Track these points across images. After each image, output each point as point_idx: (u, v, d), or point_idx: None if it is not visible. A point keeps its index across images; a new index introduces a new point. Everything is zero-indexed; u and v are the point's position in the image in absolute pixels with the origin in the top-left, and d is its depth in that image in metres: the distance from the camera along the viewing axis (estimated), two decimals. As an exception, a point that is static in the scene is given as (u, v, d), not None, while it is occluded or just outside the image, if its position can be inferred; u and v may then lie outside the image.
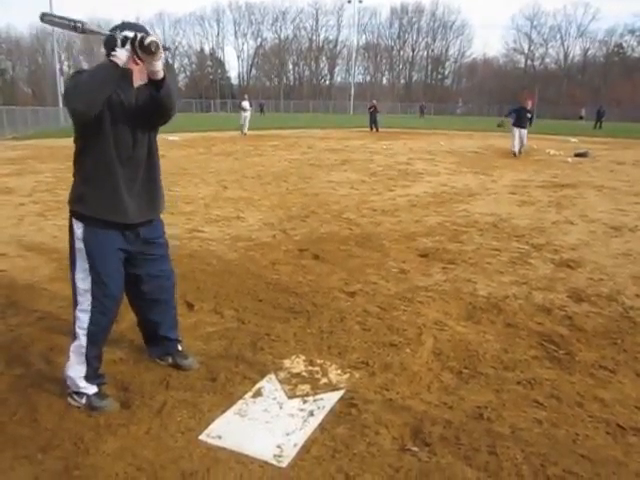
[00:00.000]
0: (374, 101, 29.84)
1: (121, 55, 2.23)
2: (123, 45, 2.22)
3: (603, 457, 2.22)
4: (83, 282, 2.51)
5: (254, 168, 11.63)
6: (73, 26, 2.23)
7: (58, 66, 39.28)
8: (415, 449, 2.27)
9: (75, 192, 2.52)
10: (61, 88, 34.30)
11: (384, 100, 75.37)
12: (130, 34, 2.23)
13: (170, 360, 2.98)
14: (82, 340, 2.56)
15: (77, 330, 2.56)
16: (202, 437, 2.35)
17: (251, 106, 24.26)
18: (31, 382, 2.78)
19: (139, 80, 2.45)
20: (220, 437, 2.34)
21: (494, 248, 5.38)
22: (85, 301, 2.52)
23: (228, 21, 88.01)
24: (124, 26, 2.34)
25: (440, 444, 2.30)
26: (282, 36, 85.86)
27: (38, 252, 5.11)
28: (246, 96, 24.88)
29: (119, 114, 2.37)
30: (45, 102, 44.54)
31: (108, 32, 2.33)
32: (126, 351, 3.14)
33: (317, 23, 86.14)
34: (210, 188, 8.96)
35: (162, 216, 2.81)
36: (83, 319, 2.54)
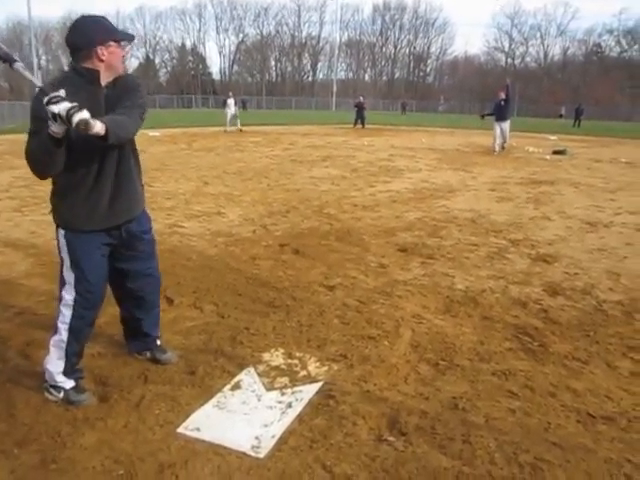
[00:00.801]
0: (361, 97, 29.76)
1: (58, 130, 2.10)
2: (55, 120, 2.04)
3: (573, 444, 2.28)
4: (68, 278, 2.52)
5: (235, 164, 11.59)
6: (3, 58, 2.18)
7: (36, 60, 38.57)
8: (391, 439, 2.31)
9: (51, 203, 2.53)
10: (39, 83, 33.72)
11: (366, 97, 75.72)
12: (56, 109, 2.01)
13: (149, 355, 2.99)
14: (63, 335, 2.54)
15: (59, 325, 2.55)
16: (180, 430, 2.35)
17: (236, 104, 24.04)
18: (8, 377, 2.76)
19: (105, 79, 2.38)
20: (198, 429, 2.35)
21: (472, 243, 5.45)
22: (69, 296, 2.52)
23: (210, 16, 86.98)
24: (50, 87, 2.14)
25: (416, 434, 2.34)
26: (264, 32, 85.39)
27: (14, 248, 5.05)
28: (230, 93, 24.68)
29: (82, 136, 2.15)
30: (22, 97, 43.76)
31: (38, 84, 2.21)
32: (104, 345, 3.12)
33: (299, 19, 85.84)
34: (191, 184, 8.91)
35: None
36: (66, 314, 2.53)
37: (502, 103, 15.14)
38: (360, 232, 5.82)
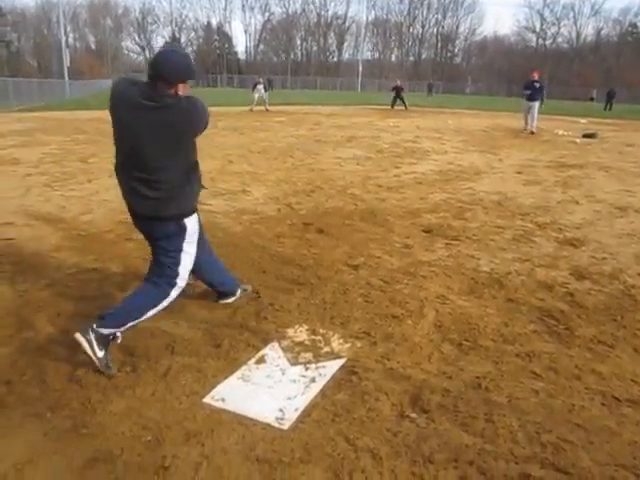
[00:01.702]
0: (398, 81, 29.64)
1: None
2: None
3: (597, 426, 2.27)
4: (187, 268, 2.84)
5: (260, 143, 11.60)
6: None
7: (64, 38, 38.90)
8: (414, 415, 2.33)
9: (178, 196, 2.69)
10: (67, 61, 34.09)
11: (392, 77, 74.62)
12: None
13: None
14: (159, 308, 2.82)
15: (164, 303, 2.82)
16: (206, 400, 2.41)
17: (265, 89, 23.95)
18: (39, 346, 2.85)
19: None
20: (224, 400, 2.40)
21: (498, 226, 5.39)
22: (182, 283, 2.85)
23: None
24: None
25: (438, 411, 2.35)
26: (290, 10, 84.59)
27: (45, 222, 5.16)
28: (260, 79, 24.55)
29: None
30: (51, 74, 44.20)
31: None
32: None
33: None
34: (216, 162, 8.95)
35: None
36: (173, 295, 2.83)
37: (534, 83, 15.16)
38: (384, 213, 5.79)
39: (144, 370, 2.65)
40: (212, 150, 10.31)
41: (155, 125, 2.47)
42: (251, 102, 23.14)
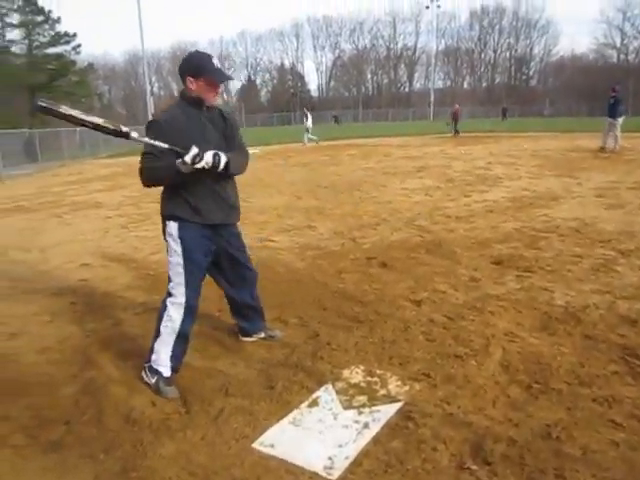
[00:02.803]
0: (457, 105, 29.30)
1: (186, 170, 2.60)
2: (193, 164, 2.56)
3: (690, 487, 1.98)
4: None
5: (329, 178, 11.70)
6: (119, 131, 2.62)
7: (149, 88, 41.70)
8: (474, 467, 2.14)
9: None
10: (151, 108, 36.46)
11: (465, 104, 73.63)
12: (203, 164, 2.60)
13: (263, 335, 3.43)
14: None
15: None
16: (255, 445, 2.35)
17: (306, 119, 25.09)
18: (101, 385, 2.92)
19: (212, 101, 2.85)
20: (273, 446, 2.33)
21: (576, 255, 5.03)
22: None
23: (307, 35, 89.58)
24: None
25: (502, 464, 2.15)
26: (360, 46, 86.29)
27: (118, 262, 5.40)
28: (305, 110, 25.68)
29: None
30: (137, 121, 47.43)
31: (164, 146, 2.63)
32: (192, 357, 3.21)
33: (395, 31, 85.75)
34: (284, 198, 9.10)
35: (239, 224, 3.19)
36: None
37: (611, 101, 14.95)
38: (452, 244, 5.59)
39: (197, 412, 2.64)
40: (282, 186, 10.53)
41: None
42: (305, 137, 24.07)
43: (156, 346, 2.88)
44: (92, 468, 2.24)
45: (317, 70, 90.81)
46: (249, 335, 3.43)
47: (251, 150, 12.96)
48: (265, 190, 10.06)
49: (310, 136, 24.13)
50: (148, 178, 2.77)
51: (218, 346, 3.40)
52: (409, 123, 55.33)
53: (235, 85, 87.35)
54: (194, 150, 2.54)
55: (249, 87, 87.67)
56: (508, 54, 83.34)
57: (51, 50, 39.09)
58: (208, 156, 2.60)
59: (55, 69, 38.29)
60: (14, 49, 37.81)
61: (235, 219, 3.07)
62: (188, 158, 2.53)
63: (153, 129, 2.72)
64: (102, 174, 14.52)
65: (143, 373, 2.93)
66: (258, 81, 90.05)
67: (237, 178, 3.03)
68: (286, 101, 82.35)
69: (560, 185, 9.36)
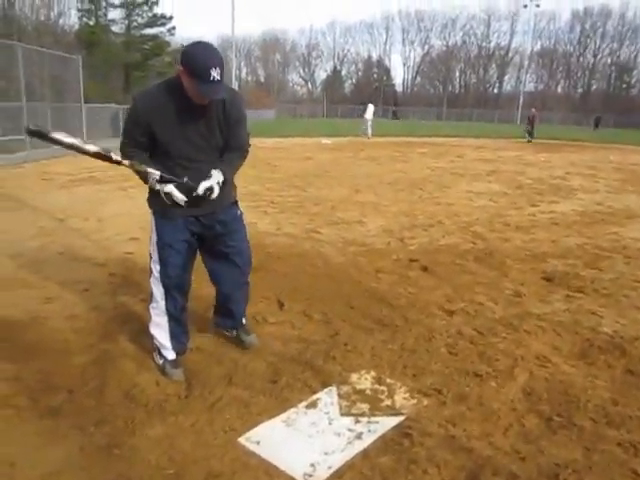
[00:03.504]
0: (533, 109, 27.97)
1: (175, 196, 2.57)
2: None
3: None
4: None
5: (393, 174, 11.46)
6: (111, 159, 2.58)
7: (235, 72, 42.68)
8: (463, 499, 1.97)
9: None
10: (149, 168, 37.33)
11: (557, 110, 70.02)
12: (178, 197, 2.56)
13: (235, 333, 3.20)
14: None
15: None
16: (241, 439, 2.28)
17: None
18: (113, 358, 2.96)
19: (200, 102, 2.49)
20: (258, 443, 2.26)
21: (638, 280, 4.60)
22: None
23: (397, 29, 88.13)
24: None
25: (495, 500, 1.97)
26: (450, 43, 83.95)
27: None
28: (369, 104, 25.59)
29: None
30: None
31: (150, 171, 2.54)
32: (204, 341, 3.21)
33: (489, 29, 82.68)
34: (343, 191, 8.99)
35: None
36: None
37: None
38: (503, 254, 5.28)
39: (196, 398, 2.62)
40: (344, 179, 10.42)
41: None
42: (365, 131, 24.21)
43: (152, 331, 2.88)
44: (80, 439, 2.26)
45: (404, 65, 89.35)
46: (219, 327, 3.28)
47: (323, 140, 13.22)
48: (326, 182, 10.00)
49: (366, 128, 24.17)
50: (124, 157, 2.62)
51: (237, 333, 3.37)
52: (493, 125, 53.36)
53: (321, 75, 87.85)
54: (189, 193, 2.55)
55: (334, 78, 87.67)
56: (609, 60, 78.26)
57: (147, 31, 40.79)
58: (200, 188, 2.52)
59: (150, 49, 39.96)
60: (114, 28, 39.78)
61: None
62: (175, 193, 2.55)
63: (130, 114, 2.57)
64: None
65: (154, 354, 2.94)
66: (343, 72, 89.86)
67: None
68: (369, 94, 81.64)
69: (640, 203, 8.66)
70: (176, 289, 2.82)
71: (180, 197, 2.54)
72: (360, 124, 25.92)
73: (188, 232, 2.76)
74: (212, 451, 2.20)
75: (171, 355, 2.86)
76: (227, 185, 2.70)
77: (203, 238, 2.84)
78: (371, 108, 24.96)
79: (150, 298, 2.87)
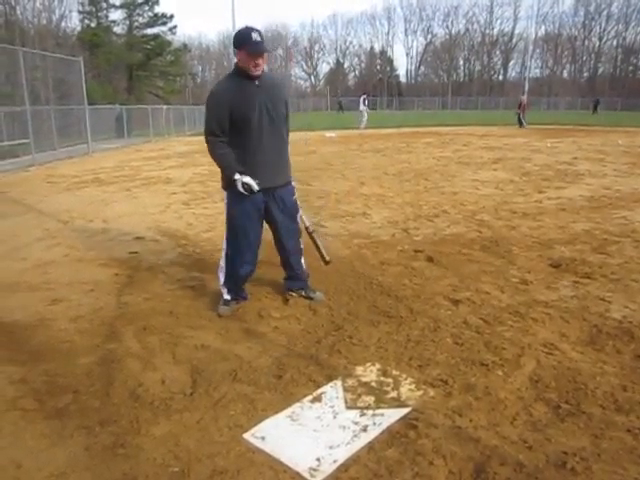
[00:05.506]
0: (523, 97, 27.94)
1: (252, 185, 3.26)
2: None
3: None
4: None
5: (398, 165, 11.40)
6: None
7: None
8: (470, 490, 1.95)
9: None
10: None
11: (562, 95, 69.40)
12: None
13: (303, 293, 3.81)
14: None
15: None
16: (246, 435, 2.28)
17: (365, 104, 25.65)
18: (118, 358, 2.97)
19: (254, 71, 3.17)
20: (264, 438, 2.25)
21: (648, 264, 4.54)
22: None
23: (399, 19, 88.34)
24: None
25: (503, 489, 1.95)
26: (453, 31, 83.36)
27: (170, 237, 5.52)
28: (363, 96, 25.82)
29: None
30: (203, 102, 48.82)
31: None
32: (214, 336, 3.21)
33: (491, 16, 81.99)
34: (347, 184, 8.95)
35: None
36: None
37: None
38: (510, 242, 5.23)
39: (201, 395, 2.61)
40: (348, 172, 10.38)
41: None
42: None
43: (218, 272, 3.62)
44: (85, 439, 2.26)
45: (407, 55, 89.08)
46: (290, 290, 3.83)
47: (327, 134, 13.19)
48: (331, 175, 9.96)
49: (362, 120, 24.25)
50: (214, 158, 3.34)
51: (241, 330, 3.35)
52: (498, 112, 52.95)
53: (323, 69, 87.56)
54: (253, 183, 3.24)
55: (337, 70, 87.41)
56: (615, 42, 77.39)
57: (149, 30, 40.89)
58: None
59: (152, 49, 40.05)
60: (116, 29, 39.91)
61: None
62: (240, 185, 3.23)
63: (210, 101, 3.22)
64: (181, 151, 15.02)
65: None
66: (346, 64, 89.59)
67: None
68: (373, 86, 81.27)
69: (650, 186, 8.56)
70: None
71: (255, 187, 3.23)
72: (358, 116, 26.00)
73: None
74: (217, 448, 2.20)
75: (226, 295, 3.58)
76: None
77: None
78: (362, 99, 25.23)
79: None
